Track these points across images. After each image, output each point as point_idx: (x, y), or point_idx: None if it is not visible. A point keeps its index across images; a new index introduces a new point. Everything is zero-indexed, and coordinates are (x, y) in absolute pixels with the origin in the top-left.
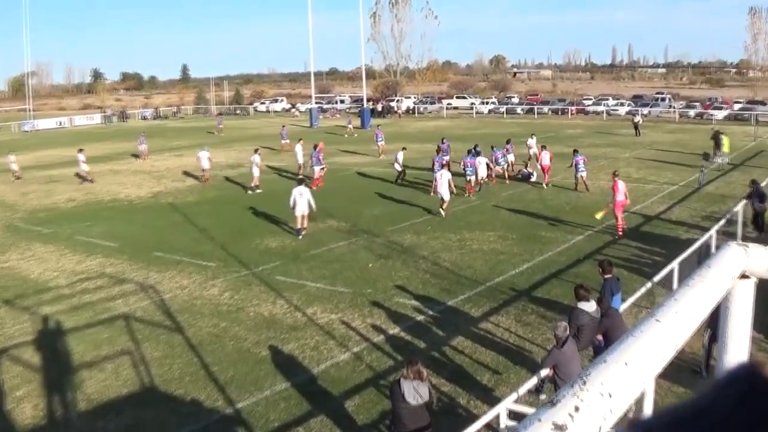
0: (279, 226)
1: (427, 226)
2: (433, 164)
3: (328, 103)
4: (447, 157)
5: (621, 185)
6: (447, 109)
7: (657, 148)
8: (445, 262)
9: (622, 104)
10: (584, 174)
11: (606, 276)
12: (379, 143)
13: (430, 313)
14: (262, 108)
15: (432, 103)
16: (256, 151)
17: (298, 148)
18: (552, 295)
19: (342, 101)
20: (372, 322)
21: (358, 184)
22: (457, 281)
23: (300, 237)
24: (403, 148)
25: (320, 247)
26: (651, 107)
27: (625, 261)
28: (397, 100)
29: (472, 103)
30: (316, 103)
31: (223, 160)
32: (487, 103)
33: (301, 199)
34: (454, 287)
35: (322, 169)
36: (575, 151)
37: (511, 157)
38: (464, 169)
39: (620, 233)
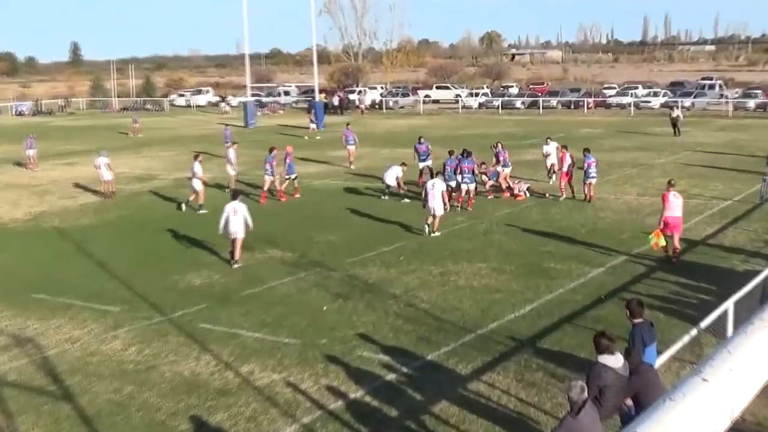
0: (206, 256)
1: (399, 256)
2: (444, 169)
3: (269, 95)
4: (429, 162)
5: (673, 198)
6: (424, 102)
7: (703, 150)
8: (423, 304)
9: (655, 94)
10: (594, 181)
11: (636, 320)
12: (350, 147)
13: (404, 370)
14: (181, 101)
15: (405, 94)
16: (196, 157)
17: (231, 154)
18: (564, 345)
19: (287, 93)
20: (327, 383)
21: (311, 201)
22: (438, 328)
23: (235, 266)
24: (403, 164)
25: (259, 285)
26: (695, 97)
27: (663, 300)
28: (360, 92)
29: (458, 95)
30: (253, 95)
31: (128, 170)
32: (477, 94)
33: (236, 217)
34: (436, 336)
35: (295, 178)
36: (586, 151)
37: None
38: (461, 176)
39: (667, 252)
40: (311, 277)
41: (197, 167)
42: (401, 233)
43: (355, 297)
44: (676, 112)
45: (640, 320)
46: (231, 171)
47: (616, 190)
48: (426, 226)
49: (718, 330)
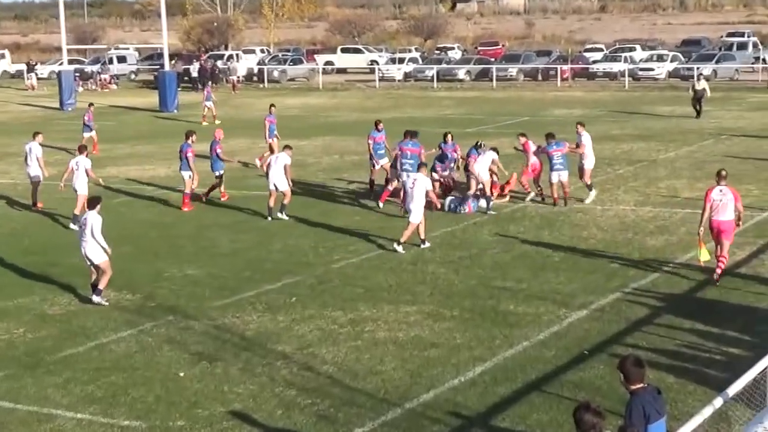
0: (5, 299)
1: (290, 297)
2: (396, 158)
3: (96, 62)
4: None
5: (718, 195)
6: (325, 72)
7: (731, 138)
8: (327, 365)
9: (661, 58)
10: (564, 176)
11: (634, 387)
12: (272, 138)
13: None
14: None
15: (296, 61)
16: (81, 149)
17: (35, 150)
18: (531, 423)
19: (123, 59)
20: None
21: (161, 219)
22: (348, 401)
23: (96, 300)
24: (287, 147)
25: (84, 342)
26: (718, 62)
27: (673, 357)
28: (230, 57)
29: (374, 62)
30: (72, 62)
31: None
32: (401, 60)
33: (87, 232)
34: (344, 412)
35: (220, 176)
36: (550, 138)
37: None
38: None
39: (717, 275)
40: (161, 329)
41: (84, 160)
42: (293, 264)
43: (227, 357)
44: (702, 84)
45: (639, 386)
46: (37, 173)
47: (605, 198)
48: (397, 245)
49: (753, 398)
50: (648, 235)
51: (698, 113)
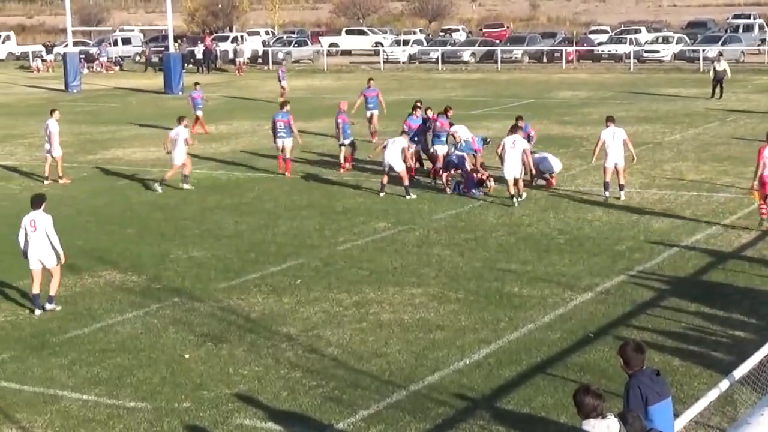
0: (11, 281)
1: (294, 279)
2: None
3: (100, 43)
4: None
5: None
6: (330, 54)
7: (737, 120)
8: (331, 348)
9: (666, 40)
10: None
11: (632, 370)
12: (373, 112)
13: None
14: None
15: (301, 43)
16: (180, 120)
17: (51, 127)
18: (536, 406)
19: (127, 41)
20: None
21: (166, 201)
22: (353, 383)
23: (38, 313)
24: (404, 133)
25: (89, 323)
26: (724, 44)
27: (678, 339)
28: (235, 39)
29: (378, 44)
30: (77, 44)
31: None
32: (406, 42)
33: (36, 235)
34: (349, 394)
35: (351, 144)
36: (517, 121)
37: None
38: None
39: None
40: (167, 310)
41: (183, 131)
42: (298, 246)
43: (232, 339)
44: (723, 65)
45: (637, 369)
46: (55, 152)
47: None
48: (514, 198)
49: (759, 382)
50: (653, 218)
51: (721, 94)
